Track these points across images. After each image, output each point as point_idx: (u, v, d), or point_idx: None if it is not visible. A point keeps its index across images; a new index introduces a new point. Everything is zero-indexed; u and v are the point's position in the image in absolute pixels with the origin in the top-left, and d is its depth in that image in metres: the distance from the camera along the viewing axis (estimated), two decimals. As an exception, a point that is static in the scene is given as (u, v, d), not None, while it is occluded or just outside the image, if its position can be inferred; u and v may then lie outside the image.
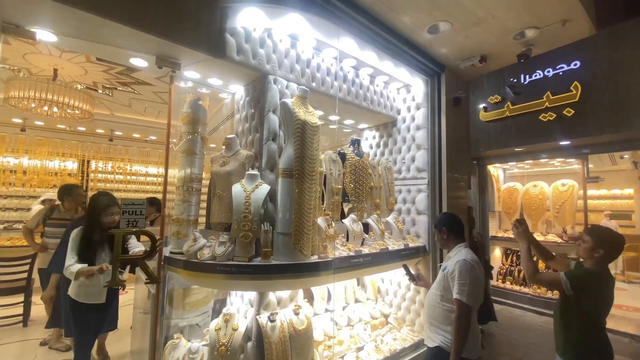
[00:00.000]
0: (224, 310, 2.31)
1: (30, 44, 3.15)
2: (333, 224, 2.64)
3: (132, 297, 3.32)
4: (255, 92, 2.52)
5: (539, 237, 5.26)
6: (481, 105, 5.33)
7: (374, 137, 3.97)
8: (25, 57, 3.43)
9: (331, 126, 4.01)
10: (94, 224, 2.35)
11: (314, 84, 2.71)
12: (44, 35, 1.92)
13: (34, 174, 5.68)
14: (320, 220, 2.58)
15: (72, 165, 6.29)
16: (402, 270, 3.35)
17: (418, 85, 3.40)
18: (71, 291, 2.36)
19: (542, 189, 5.48)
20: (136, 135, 6.53)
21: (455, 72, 3.44)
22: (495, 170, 6.18)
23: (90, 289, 2.33)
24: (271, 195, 2.30)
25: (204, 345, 2.29)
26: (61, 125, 5.69)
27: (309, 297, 2.95)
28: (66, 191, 3.15)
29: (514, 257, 5.71)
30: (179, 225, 2.26)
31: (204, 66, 2.35)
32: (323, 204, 2.82)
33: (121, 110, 5.35)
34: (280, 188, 2.19)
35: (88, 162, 6.36)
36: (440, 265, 2.13)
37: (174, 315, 2.58)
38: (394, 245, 2.97)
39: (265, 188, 2.20)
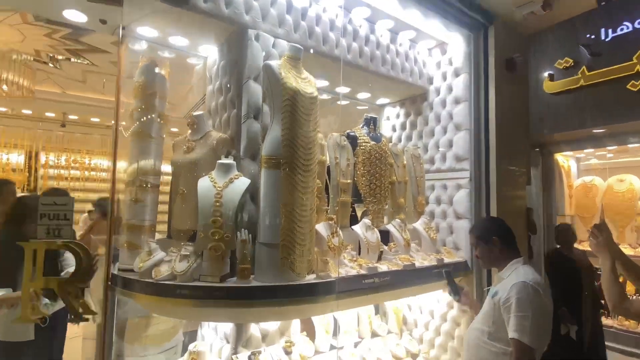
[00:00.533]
0: (191, 348, 2.21)
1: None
2: (339, 232, 2.50)
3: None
4: (231, 54, 2.39)
5: (627, 250, 4.95)
6: (546, 73, 5.08)
7: (397, 116, 3.79)
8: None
9: (341, 102, 3.86)
10: (17, 233, 2.20)
11: (311, 42, 2.56)
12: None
13: (-30, 170, 5.77)
14: (321, 227, 2.44)
15: (16, 158, 6.36)
16: (435, 294, 3.19)
17: (457, 44, 3.19)
18: None
19: (631, 185, 5.14)
20: (95, 120, 6.54)
21: (508, 25, 3.20)
22: (566, 160, 5.87)
23: (8, 321, 2.16)
24: (253, 193, 2.18)
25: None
26: (2, 108, 5.75)
27: (309, 330, 2.81)
28: None
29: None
30: (130, 233, 2.15)
31: (162, 19, 2.23)
32: (327, 205, 2.67)
33: (74, 87, 5.35)
34: (263, 183, 2.05)
35: (36, 154, 6.43)
36: (488, 290, 1.96)
37: (129, 353, 2.50)
38: (423, 260, 2.79)
39: (242, 183, 2.07)
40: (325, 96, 3.62)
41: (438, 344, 3.19)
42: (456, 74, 3.23)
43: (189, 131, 2.32)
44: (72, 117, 6.44)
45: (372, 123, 2.97)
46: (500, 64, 3.15)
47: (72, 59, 4.31)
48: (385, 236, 2.86)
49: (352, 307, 2.62)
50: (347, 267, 2.39)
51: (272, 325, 2.32)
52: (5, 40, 3.85)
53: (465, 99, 3.15)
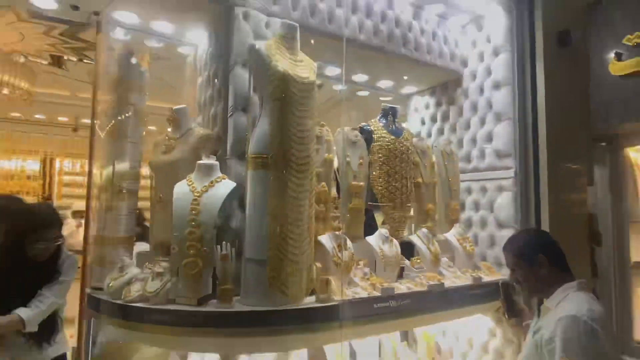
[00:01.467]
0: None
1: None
2: (349, 245, 2.24)
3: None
4: (218, 38, 2.22)
5: None
6: (611, 52, 4.54)
7: (427, 107, 3.48)
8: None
9: (360, 92, 3.62)
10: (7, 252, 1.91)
11: (314, 20, 2.34)
12: None
13: (-15, 178, 6.05)
14: (325, 239, 2.21)
15: (33, 165, 6.62)
16: (474, 319, 2.84)
17: (496, 17, 2.86)
18: None
19: None
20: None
21: (560, -8, 2.82)
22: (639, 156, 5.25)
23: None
24: (241, 199, 1.98)
25: None
26: (15, 113, 5.99)
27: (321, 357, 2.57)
28: None
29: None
30: (101, 247, 2.02)
31: (138, 2, 2.10)
32: (336, 212, 2.43)
33: (84, 89, 5.45)
34: (249, 187, 1.86)
35: (51, 160, 6.66)
36: (530, 324, 1.64)
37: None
38: (455, 278, 2.47)
39: (226, 186, 1.87)
40: (340, 87, 3.40)
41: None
42: (495, 53, 2.88)
43: (169, 128, 2.16)
44: (84, 120, 6.60)
45: (391, 114, 2.69)
46: (551, 39, 2.76)
47: (74, 59, 4.36)
48: (409, 249, 2.57)
49: (362, 336, 2.36)
50: (358, 287, 2.14)
51: (266, 356, 2.10)
52: (5, 40, 3.96)
53: (507, 83, 2.80)
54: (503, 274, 2.69)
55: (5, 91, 3.87)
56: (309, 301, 1.87)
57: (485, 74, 2.95)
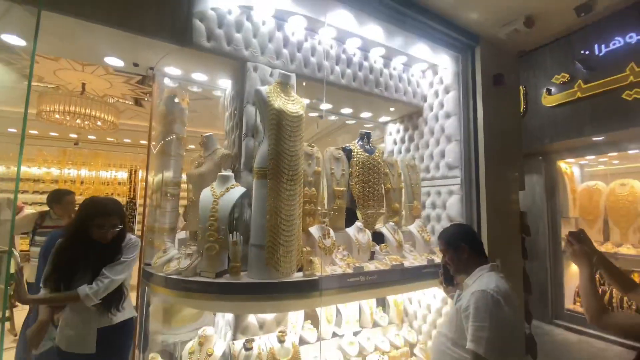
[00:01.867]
0: (200, 332, 2.05)
1: (55, 60, 3.37)
2: (332, 234, 2.22)
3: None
4: (237, 85, 2.25)
5: (630, 250, 4.05)
6: (543, 89, 4.40)
7: (398, 131, 3.42)
8: (56, 74, 3.75)
9: (349, 122, 3.59)
10: (77, 234, 1.75)
11: (306, 70, 2.34)
12: (12, 39, 1.90)
13: (90, 184, 6.28)
14: (314, 230, 2.19)
15: (122, 174, 6.83)
16: (432, 291, 2.76)
17: (446, 64, 2.79)
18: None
19: (632, 188, 4.22)
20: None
21: (494, 44, 2.74)
22: (569, 167, 5.03)
23: (69, 332, 1.71)
24: (249, 200, 1.98)
25: (179, 369, 2.04)
26: (110, 138, 6.22)
27: (313, 319, 2.54)
28: (55, 197, 2.86)
29: (599, 275, 4.51)
30: (152, 234, 2.07)
31: (180, 60, 2.16)
32: (325, 209, 2.41)
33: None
34: (254, 191, 1.86)
35: (135, 171, 6.86)
36: (453, 296, 1.58)
37: (165, 330, 2.41)
38: (414, 260, 2.41)
39: (238, 191, 1.89)
40: (333, 117, 3.40)
41: (434, 336, 2.75)
42: (446, 91, 2.82)
43: (202, 149, 2.20)
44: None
45: (365, 137, 2.66)
46: (487, 80, 2.69)
47: (148, 99, 4.51)
48: (381, 238, 2.53)
49: (337, 302, 2.32)
50: (337, 265, 2.11)
51: (268, 315, 2.09)
52: (99, 88, 4.14)
53: (454, 113, 2.73)
54: (452, 257, 2.63)
55: (99, 123, 4.03)
56: (298, 276, 1.86)
57: (439, 106, 2.89)
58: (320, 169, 2.39)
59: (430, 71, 2.99)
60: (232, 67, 2.18)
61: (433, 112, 2.95)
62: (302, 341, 2.44)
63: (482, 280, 1.42)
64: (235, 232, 1.80)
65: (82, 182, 6.28)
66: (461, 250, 1.55)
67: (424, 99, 3.04)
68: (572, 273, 4.66)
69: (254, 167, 1.89)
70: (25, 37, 1.95)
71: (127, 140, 6.50)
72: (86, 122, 3.86)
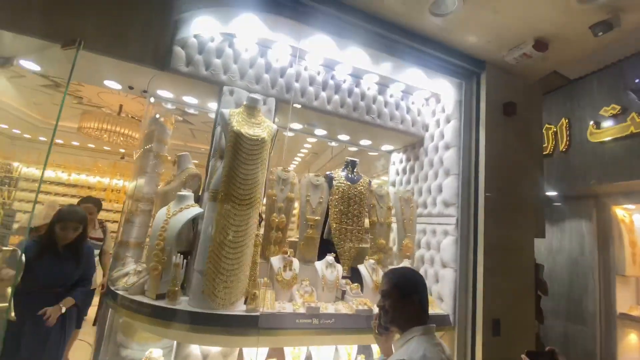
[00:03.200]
0: (146, 353, 1.98)
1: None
2: (295, 266, 2.05)
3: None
4: (217, 107, 2.28)
5: None
6: (589, 122, 3.79)
7: (401, 161, 3.18)
8: (99, 96, 4.27)
9: (351, 148, 3.44)
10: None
11: (287, 96, 2.30)
12: (28, 64, 2.18)
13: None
14: (275, 260, 2.05)
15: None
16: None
17: (448, 92, 2.54)
18: None
19: None
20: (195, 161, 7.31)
21: (503, 69, 2.42)
22: (628, 215, 4.18)
23: None
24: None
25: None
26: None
27: (279, 357, 2.33)
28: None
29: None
30: (118, 247, 2.11)
31: (167, 83, 2.27)
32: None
33: (190, 140, 6.05)
34: (205, 213, 1.81)
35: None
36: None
37: (129, 345, 2.39)
38: (390, 306, 2.10)
39: (190, 212, 1.85)
40: (334, 144, 3.29)
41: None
42: (447, 120, 2.56)
43: (175, 167, 2.24)
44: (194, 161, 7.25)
45: (350, 165, 2.49)
46: (493, 109, 2.38)
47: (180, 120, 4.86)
48: (360, 276, 2.28)
49: (280, 345, 2.05)
50: (296, 302, 1.92)
51: (213, 348, 1.94)
52: (135, 109, 4.61)
53: (454, 145, 2.44)
54: (441, 309, 2.25)
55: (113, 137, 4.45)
56: (241, 309, 1.72)
57: (439, 137, 2.62)
58: (294, 195, 2.27)
59: (433, 99, 2.76)
60: (210, 91, 2.23)
61: (433, 143, 2.68)
62: (264, 381, 2.24)
63: (409, 347, 1.14)
64: (179, 254, 1.74)
65: (125, 192, 6.92)
66: (410, 302, 1.25)
67: (426, 128, 2.80)
68: (629, 343, 3.72)
69: (209, 189, 1.84)
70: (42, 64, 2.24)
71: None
72: (121, 139, 4.30)
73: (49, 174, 7.26)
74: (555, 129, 4.13)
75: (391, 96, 2.69)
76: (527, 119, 2.52)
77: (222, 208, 1.73)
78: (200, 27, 2.09)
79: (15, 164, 7.31)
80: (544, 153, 4.18)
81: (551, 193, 4.31)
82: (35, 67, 2.28)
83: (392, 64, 2.36)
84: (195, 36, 2.13)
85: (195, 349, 1.89)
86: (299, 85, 2.35)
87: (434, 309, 2.24)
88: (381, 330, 1.36)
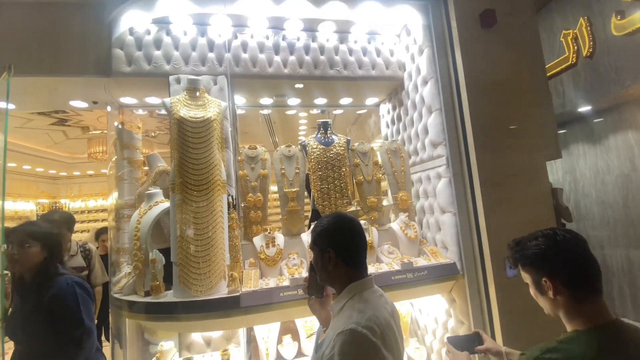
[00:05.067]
0: (158, 347, 2.09)
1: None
2: (278, 242, 2.01)
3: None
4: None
5: None
6: (611, 15, 3.18)
7: (388, 112, 2.94)
8: (99, 120, 4.51)
9: (336, 111, 3.27)
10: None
11: (238, 69, 2.19)
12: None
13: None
14: (256, 239, 2.03)
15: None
16: (434, 299, 2.25)
17: (414, 19, 2.24)
18: None
19: None
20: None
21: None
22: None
23: None
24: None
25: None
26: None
27: (293, 333, 2.34)
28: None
29: None
30: (116, 254, 2.22)
31: (121, 88, 2.28)
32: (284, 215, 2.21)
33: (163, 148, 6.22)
34: (170, 206, 1.81)
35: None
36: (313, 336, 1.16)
37: (153, 340, 2.56)
38: (386, 265, 1.99)
39: (159, 208, 1.87)
40: (315, 111, 3.14)
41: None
42: (420, 51, 2.27)
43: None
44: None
45: (322, 128, 2.33)
46: (467, 24, 2.04)
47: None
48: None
49: (267, 322, 2.02)
50: (284, 277, 1.89)
51: (214, 333, 2.00)
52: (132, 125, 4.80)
53: (431, 76, 2.17)
54: (447, 257, 2.08)
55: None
56: (223, 292, 1.72)
57: (416, 72, 2.34)
58: (267, 171, 2.20)
59: (404, 32, 2.47)
60: (160, 85, 2.19)
61: (412, 81, 2.41)
62: (280, 358, 2.28)
63: (353, 309, 0.98)
64: (154, 250, 1.78)
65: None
66: (326, 257, 1.06)
67: (402, 67, 2.52)
68: None
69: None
70: (15, 103, 2.36)
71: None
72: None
73: (92, 203, 7.97)
74: (574, 33, 3.52)
75: (355, 42, 2.45)
76: (516, 25, 2.14)
77: (180, 198, 1.72)
78: (132, 21, 2.04)
79: (63, 201, 8.14)
80: (567, 64, 3.61)
81: (584, 108, 3.75)
82: (11, 106, 2.42)
83: (339, 1, 2.13)
84: (131, 33, 2.10)
85: (196, 337, 1.96)
86: (248, 55, 2.23)
87: (436, 258, 2.07)
88: (312, 293, 1.20)
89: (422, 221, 2.42)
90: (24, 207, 7.18)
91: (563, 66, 3.59)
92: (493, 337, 1.86)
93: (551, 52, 3.77)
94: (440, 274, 1.98)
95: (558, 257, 0.88)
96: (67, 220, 2.50)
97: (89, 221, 7.75)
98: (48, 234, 1.62)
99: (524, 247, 0.95)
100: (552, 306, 0.91)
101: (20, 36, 1.96)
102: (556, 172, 3.99)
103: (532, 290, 0.97)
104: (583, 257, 0.88)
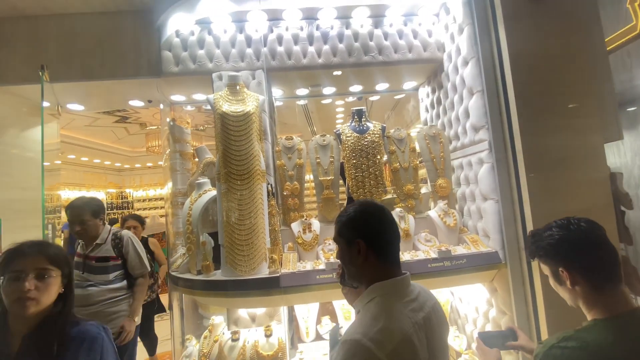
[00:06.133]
0: (210, 321, 2.33)
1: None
2: (314, 227, 2.11)
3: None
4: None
5: None
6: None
7: (427, 95, 2.84)
8: (154, 117, 4.95)
9: (372, 98, 3.25)
10: None
11: (274, 63, 2.28)
12: (74, 107, 2.68)
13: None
14: (294, 225, 2.15)
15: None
16: (475, 288, 2.21)
17: (454, -3, 2.13)
18: None
19: None
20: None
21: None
22: None
23: None
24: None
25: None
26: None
27: (332, 314, 2.46)
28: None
29: None
30: (173, 238, 2.49)
31: (171, 87, 2.49)
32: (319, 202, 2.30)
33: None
34: (217, 194, 1.99)
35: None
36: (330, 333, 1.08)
37: (208, 316, 2.85)
38: (423, 253, 1.99)
39: (207, 196, 2.05)
40: (351, 98, 3.15)
41: (486, 346, 2.16)
42: (460, 30, 2.15)
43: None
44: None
45: (356, 115, 2.34)
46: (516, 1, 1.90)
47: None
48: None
49: (304, 302, 2.12)
50: (321, 261, 1.99)
51: (259, 310, 2.16)
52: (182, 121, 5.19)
53: (472, 56, 2.05)
54: (489, 246, 2.02)
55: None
56: (263, 273, 1.87)
57: (456, 53, 2.23)
58: (302, 161, 2.29)
59: (443, 11, 2.35)
60: (205, 83, 2.36)
61: (452, 62, 2.31)
62: (319, 337, 2.42)
63: (367, 315, 0.87)
64: (204, 233, 1.97)
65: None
66: (355, 249, 0.95)
67: (442, 48, 2.42)
68: None
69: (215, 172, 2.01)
70: (83, 104, 2.72)
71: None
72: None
73: (151, 192, 8.82)
74: (649, -6, 3.04)
75: (391, 25, 2.40)
76: (560, 4, 1.93)
77: (225, 187, 1.87)
78: (178, 23, 2.22)
79: (128, 190, 9.12)
80: (634, 33, 3.13)
81: (661, 82, 3.25)
82: (80, 107, 2.79)
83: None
84: (177, 35, 2.28)
85: (243, 313, 2.15)
86: (283, 48, 2.30)
87: (477, 247, 2.01)
88: (344, 282, 1.13)
89: (463, 209, 2.35)
90: (96, 196, 8.26)
91: (630, 35, 3.11)
92: (538, 329, 1.79)
93: (616, 21, 3.29)
94: (481, 263, 1.93)
95: (572, 246, 0.86)
96: (90, 206, 2.19)
97: (150, 208, 8.64)
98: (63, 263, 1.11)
99: (539, 238, 0.93)
100: (571, 296, 0.89)
101: (81, 45, 2.24)
102: (624, 154, 3.54)
103: (551, 282, 0.95)
104: (598, 245, 0.85)
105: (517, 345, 1.27)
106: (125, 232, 2.32)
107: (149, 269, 2.40)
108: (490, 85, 1.98)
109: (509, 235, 1.91)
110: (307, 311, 2.41)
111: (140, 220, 3.31)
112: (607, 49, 2.31)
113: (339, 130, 2.36)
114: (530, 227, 1.81)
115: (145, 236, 3.36)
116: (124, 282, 2.26)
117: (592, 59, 1.90)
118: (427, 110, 2.87)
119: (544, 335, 1.73)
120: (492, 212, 1.97)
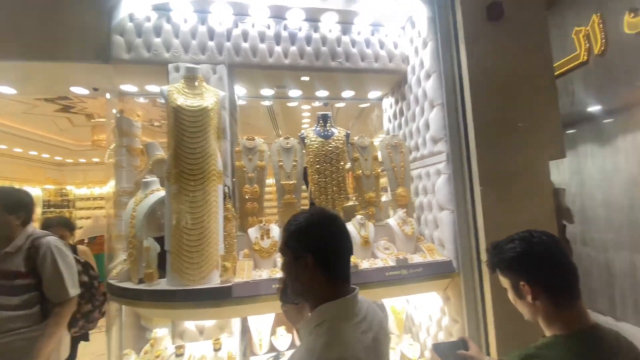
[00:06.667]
0: (152, 334, 2.11)
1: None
2: (273, 234, 2.01)
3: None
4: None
5: None
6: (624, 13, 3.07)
7: (391, 106, 2.89)
8: (102, 107, 4.54)
9: (338, 104, 3.24)
10: None
11: (238, 59, 2.17)
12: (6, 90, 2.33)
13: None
14: (252, 231, 2.03)
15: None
16: (429, 296, 2.23)
17: (419, 11, 2.19)
18: None
19: None
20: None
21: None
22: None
23: None
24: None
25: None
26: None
27: (288, 325, 2.35)
28: None
29: None
30: (113, 241, 2.24)
31: (121, 75, 2.27)
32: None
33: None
34: (165, 195, 1.81)
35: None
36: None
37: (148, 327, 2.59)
38: (381, 261, 1.97)
39: (155, 196, 1.87)
40: (317, 103, 3.11)
41: (438, 353, 2.19)
42: (424, 44, 2.21)
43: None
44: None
45: (321, 120, 2.31)
46: (473, 16, 1.99)
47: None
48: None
49: (258, 313, 2.03)
50: (275, 269, 1.89)
51: (207, 322, 2.01)
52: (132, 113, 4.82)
53: (434, 70, 2.12)
54: (444, 255, 2.06)
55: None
56: (215, 282, 1.73)
57: (420, 66, 2.29)
58: (264, 163, 2.19)
59: (409, 25, 2.41)
60: (159, 72, 2.18)
61: (415, 75, 2.37)
62: (273, 349, 2.30)
63: (318, 340, 0.79)
64: (148, 238, 1.78)
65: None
66: (302, 263, 0.86)
67: (406, 60, 2.48)
68: None
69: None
70: (16, 87, 2.38)
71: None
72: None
73: (97, 190, 8.07)
74: (586, 30, 3.42)
75: (359, 33, 2.41)
76: (524, 19, 2.07)
77: (176, 187, 1.71)
78: (132, 6, 2.03)
79: (69, 187, 8.25)
80: (577, 62, 3.51)
81: (594, 108, 3.65)
82: (12, 91, 2.44)
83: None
84: (131, 19, 2.08)
85: (190, 325, 1.98)
86: (249, 44, 2.20)
87: (435, 256, 2.05)
88: (285, 299, 1.04)
89: (420, 218, 2.39)
90: (23, 188, 7.34)
91: (574, 64, 3.50)
92: (486, 338, 1.85)
93: (562, 50, 3.67)
94: (436, 272, 1.96)
95: (535, 260, 0.86)
96: (4, 197, 1.86)
97: (95, 208, 7.87)
98: None
99: (500, 250, 0.93)
100: (531, 311, 0.89)
101: (19, 21, 1.96)
102: (563, 172, 3.91)
103: (510, 295, 0.95)
104: (560, 260, 0.86)
105: (467, 355, 1.27)
106: (48, 240, 1.82)
107: (76, 292, 1.87)
108: (450, 99, 2.05)
109: (463, 245, 1.97)
110: (261, 322, 2.28)
111: (69, 226, 2.67)
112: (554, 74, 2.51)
113: (303, 133, 2.30)
114: (482, 237, 1.87)
115: (72, 243, 2.74)
116: (37, 308, 1.74)
117: (542, 81, 2.05)
118: (390, 121, 2.92)
119: (493, 344, 1.79)
120: (448, 222, 2.02)
